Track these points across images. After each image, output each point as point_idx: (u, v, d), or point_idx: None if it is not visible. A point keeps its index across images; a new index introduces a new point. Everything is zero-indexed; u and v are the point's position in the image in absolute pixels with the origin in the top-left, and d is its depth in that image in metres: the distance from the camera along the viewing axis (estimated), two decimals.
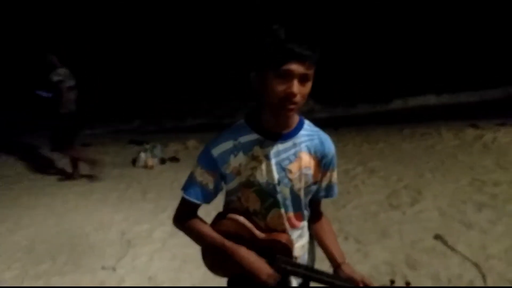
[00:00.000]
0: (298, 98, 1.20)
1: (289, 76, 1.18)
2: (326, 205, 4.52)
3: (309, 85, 1.23)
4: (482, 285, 2.83)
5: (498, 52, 13.36)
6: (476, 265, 3.04)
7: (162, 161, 6.57)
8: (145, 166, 6.32)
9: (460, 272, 2.98)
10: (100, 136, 9.53)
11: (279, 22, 1.22)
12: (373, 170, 5.49)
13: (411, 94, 13.26)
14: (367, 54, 14.31)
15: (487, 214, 3.88)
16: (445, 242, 3.40)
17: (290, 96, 1.19)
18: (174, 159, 6.66)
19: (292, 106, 1.21)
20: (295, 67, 1.17)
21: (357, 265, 3.12)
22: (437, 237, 3.49)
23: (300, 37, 1.18)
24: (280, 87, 1.19)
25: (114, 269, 3.32)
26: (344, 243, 3.49)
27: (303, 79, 1.20)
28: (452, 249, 3.29)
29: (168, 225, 3.79)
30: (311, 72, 1.21)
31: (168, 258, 3.45)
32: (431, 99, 13.19)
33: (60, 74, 5.29)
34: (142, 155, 6.45)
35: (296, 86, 1.18)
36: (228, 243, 1.37)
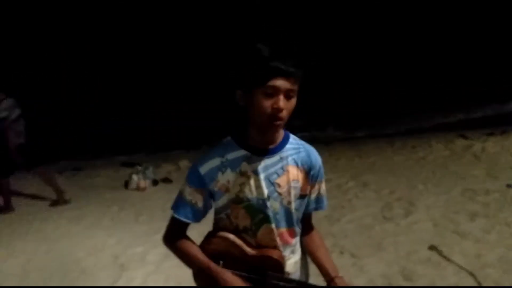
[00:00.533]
0: (284, 114, 1.23)
1: (275, 92, 1.20)
2: (320, 220, 4.50)
3: (294, 101, 1.25)
4: None
5: (486, 70, 13.60)
6: (471, 274, 3.04)
7: (155, 182, 6.53)
8: (138, 188, 6.28)
9: (456, 282, 2.98)
10: (91, 159, 9.47)
11: (263, 40, 1.24)
12: (366, 184, 5.51)
13: (401, 116, 13.20)
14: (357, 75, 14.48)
15: (480, 223, 3.90)
16: (440, 253, 3.40)
17: (276, 111, 1.21)
18: (167, 180, 6.64)
19: (278, 122, 1.23)
20: (281, 83, 1.19)
21: (354, 279, 3.10)
22: (432, 247, 3.49)
23: (284, 53, 1.21)
24: (267, 103, 1.21)
25: None
26: (340, 258, 3.48)
27: (288, 95, 1.22)
28: (447, 259, 3.30)
29: (161, 247, 3.72)
30: (296, 87, 1.23)
31: (162, 281, 3.40)
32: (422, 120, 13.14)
33: (4, 108, 4.92)
34: (134, 177, 6.41)
35: (282, 102, 1.21)
36: (213, 266, 1.36)
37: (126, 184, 6.47)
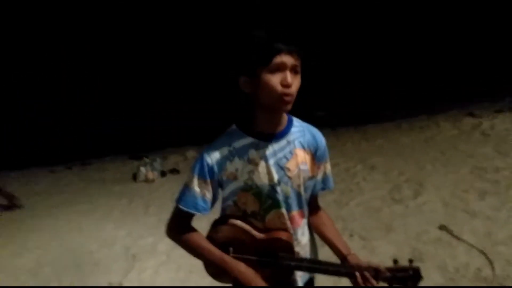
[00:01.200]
0: (293, 89, 1.23)
1: (282, 68, 1.21)
2: (328, 204, 4.51)
3: (299, 78, 1.26)
4: (491, 271, 2.82)
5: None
6: (482, 252, 3.02)
7: (163, 173, 6.58)
8: (146, 180, 6.33)
9: (467, 261, 2.97)
10: (99, 154, 9.53)
11: (262, 23, 1.24)
12: (374, 167, 5.48)
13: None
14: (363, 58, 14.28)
15: (490, 201, 3.87)
16: (450, 232, 3.39)
17: (286, 87, 1.21)
18: (175, 171, 6.67)
19: (289, 98, 1.23)
20: (286, 59, 1.21)
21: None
22: (442, 227, 3.48)
23: (285, 32, 1.22)
24: (275, 80, 1.21)
25: (121, 284, 3.31)
26: (349, 241, 3.48)
27: (295, 70, 1.23)
28: (458, 238, 3.28)
29: None
30: (299, 64, 1.24)
31: (173, 270, 3.44)
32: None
33: None
34: (142, 169, 6.46)
35: (290, 77, 1.21)
36: (228, 259, 1.35)
37: (135, 177, 6.52)
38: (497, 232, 3.29)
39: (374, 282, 1.33)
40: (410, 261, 1.38)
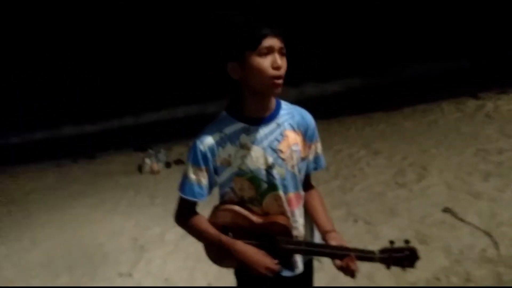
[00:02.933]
0: (283, 71, 1.26)
1: (270, 51, 1.24)
2: (332, 189, 4.52)
3: (285, 60, 1.29)
4: (495, 252, 2.84)
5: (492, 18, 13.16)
6: (487, 233, 3.04)
7: (168, 165, 6.62)
8: (151, 172, 6.38)
9: (472, 242, 2.99)
10: (104, 147, 9.59)
11: (245, 9, 1.28)
12: (377, 152, 5.49)
13: (407, 61, 13.01)
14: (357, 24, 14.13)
15: (494, 182, 3.87)
16: (454, 214, 3.41)
17: (277, 69, 1.24)
18: (179, 162, 6.71)
19: (280, 81, 1.26)
20: (274, 42, 1.24)
21: (369, 245, 3.13)
22: (446, 210, 3.49)
23: (268, 16, 1.26)
24: (266, 63, 1.24)
25: (130, 275, 3.37)
26: (354, 226, 3.52)
27: (281, 53, 1.27)
28: (462, 220, 3.30)
29: (178, 227, 3.83)
30: (284, 46, 1.28)
31: (181, 259, 3.49)
32: (431, 66, 12.80)
33: None
34: (147, 161, 6.51)
35: (279, 59, 1.25)
36: (224, 238, 1.40)
37: (140, 169, 6.58)
38: (502, 213, 3.30)
39: (356, 267, 1.34)
40: (406, 241, 1.38)
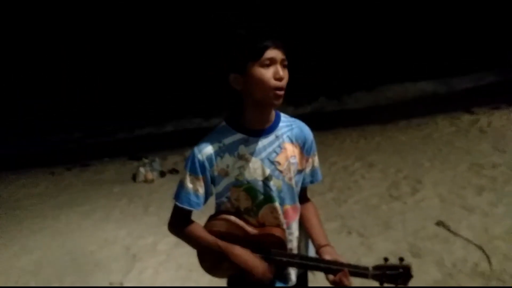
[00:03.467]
0: (284, 83, 1.28)
1: (272, 63, 1.26)
2: (327, 202, 4.51)
3: (287, 72, 1.30)
4: (488, 266, 2.84)
5: (489, 34, 13.33)
6: (479, 247, 3.05)
7: (162, 174, 6.59)
8: (145, 181, 6.35)
9: (465, 256, 2.99)
10: (98, 155, 9.55)
11: (247, 22, 1.29)
12: (372, 164, 5.50)
13: (403, 80, 13.14)
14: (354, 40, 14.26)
15: (488, 196, 3.89)
16: (447, 228, 3.41)
17: (279, 80, 1.26)
18: (174, 171, 6.69)
19: (282, 92, 1.27)
20: (276, 53, 1.26)
21: (362, 258, 3.14)
22: (439, 223, 3.50)
23: (270, 28, 1.27)
24: (268, 74, 1.25)
25: (121, 283, 3.33)
26: (348, 238, 3.51)
27: (283, 65, 1.28)
28: (455, 234, 3.31)
29: (171, 237, 3.79)
30: (286, 58, 1.29)
31: (174, 269, 3.46)
32: (424, 86, 13.01)
33: None
34: (142, 170, 6.48)
35: (281, 70, 1.26)
36: (222, 243, 1.39)
37: (134, 177, 6.54)
38: (494, 227, 3.32)
39: (349, 282, 1.34)
40: (401, 259, 1.37)
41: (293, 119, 1.48)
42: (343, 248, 3.23)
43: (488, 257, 2.93)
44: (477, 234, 3.25)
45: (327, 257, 1.37)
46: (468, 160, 4.93)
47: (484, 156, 4.98)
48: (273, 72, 1.25)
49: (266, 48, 1.24)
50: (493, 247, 3.05)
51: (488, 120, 6.54)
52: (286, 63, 1.29)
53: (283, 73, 1.27)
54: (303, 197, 1.56)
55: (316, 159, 1.52)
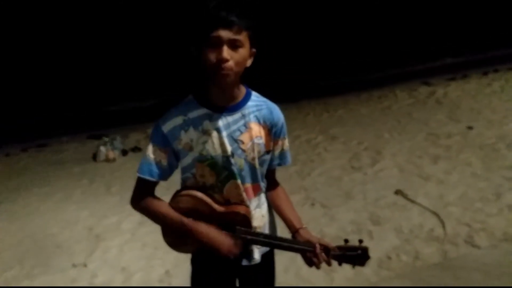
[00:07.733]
0: (230, 64, 1.21)
1: (218, 43, 1.20)
2: (291, 175, 4.57)
3: (242, 51, 1.24)
4: (442, 231, 3.00)
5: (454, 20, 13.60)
6: (435, 213, 3.21)
7: (124, 152, 6.43)
8: (107, 160, 6.18)
9: (421, 222, 3.14)
10: (55, 134, 9.19)
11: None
12: (334, 137, 5.60)
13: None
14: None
15: (443, 165, 4.08)
16: (405, 196, 3.56)
17: (220, 62, 1.20)
18: (136, 149, 6.54)
19: (224, 72, 1.22)
20: (223, 33, 1.19)
21: (325, 228, 3.23)
22: (398, 192, 3.65)
23: (227, 4, 1.20)
24: (212, 55, 1.21)
25: (85, 265, 3.27)
26: (311, 209, 3.59)
27: (233, 45, 1.21)
28: (412, 201, 3.46)
29: (136, 215, 3.73)
30: (241, 37, 1.22)
31: (138, 248, 3.43)
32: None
33: None
34: (102, 148, 6.29)
35: (226, 52, 1.20)
36: (186, 221, 1.37)
37: (95, 157, 6.35)
38: (449, 194, 3.49)
39: (325, 257, 1.39)
40: (360, 241, 1.43)
41: (264, 99, 1.44)
42: (306, 219, 3.26)
43: (442, 222, 3.08)
44: (433, 201, 3.41)
45: (300, 239, 1.42)
46: (425, 131, 5.12)
47: (440, 126, 5.19)
48: (217, 52, 1.20)
49: (212, 28, 1.19)
50: (447, 213, 3.21)
51: (444, 91, 6.79)
52: (239, 43, 1.22)
53: (230, 54, 1.20)
54: (272, 180, 1.56)
55: (286, 142, 1.51)
